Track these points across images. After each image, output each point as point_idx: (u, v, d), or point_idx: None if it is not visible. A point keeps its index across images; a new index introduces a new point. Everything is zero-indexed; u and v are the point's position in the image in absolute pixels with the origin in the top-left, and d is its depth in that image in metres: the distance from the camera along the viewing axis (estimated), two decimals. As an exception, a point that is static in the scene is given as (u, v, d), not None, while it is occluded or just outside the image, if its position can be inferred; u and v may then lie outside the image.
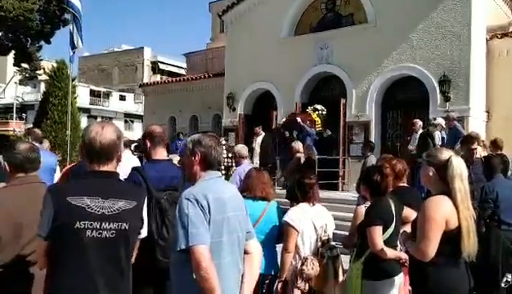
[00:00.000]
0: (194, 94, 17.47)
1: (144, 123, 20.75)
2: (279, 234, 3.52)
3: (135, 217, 2.04)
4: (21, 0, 15.16)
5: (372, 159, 7.94)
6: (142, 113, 22.72)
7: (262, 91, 13.96)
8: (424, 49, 10.89)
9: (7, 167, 2.54)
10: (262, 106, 13.94)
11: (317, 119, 11.91)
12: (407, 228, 2.99)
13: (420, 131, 9.60)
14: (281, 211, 3.59)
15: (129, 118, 43.71)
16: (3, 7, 14.78)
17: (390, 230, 3.08)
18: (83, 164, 4.29)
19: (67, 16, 15.81)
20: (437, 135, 8.45)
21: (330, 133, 11.65)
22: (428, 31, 10.83)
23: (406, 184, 3.90)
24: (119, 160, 2.11)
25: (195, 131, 17.22)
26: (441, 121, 8.98)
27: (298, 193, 3.55)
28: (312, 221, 3.44)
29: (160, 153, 3.31)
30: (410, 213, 3.22)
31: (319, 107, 12.14)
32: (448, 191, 2.41)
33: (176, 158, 6.41)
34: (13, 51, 18.58)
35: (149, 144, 3.32)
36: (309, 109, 12.21)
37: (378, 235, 3.02)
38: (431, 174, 2.51)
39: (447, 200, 2.39)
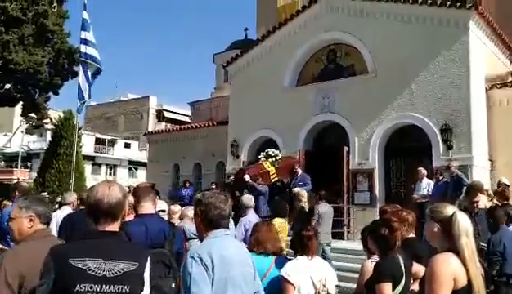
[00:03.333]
0: (198, 141, 17.67)
1: (148, 171, 20.83)
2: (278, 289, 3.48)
3: (136, 279, 2.01)
4: (31, 53, 15.61)
5: (320, 207, 8.09)
6: (146, 161, 22.86)
7: (266, 138, 14.10)
8: (424, 98, 11.03)
9: (37, 220, 2.50)
10: (265, 154, 14.01)
11: (271, 169, 10.92)
12: (416, 284, 2.93)
13: (425, 179, 9.65)
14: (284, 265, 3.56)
15: (133, 165, 43.93)
16: (13, 60, 15.20)
17: (400, 288, 3.01)
18: (81, 215, 4.32)
19: (75, 69, 16.30)
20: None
21: (280, 185, 10.53)
22: (428, 81, 11.01)
23: (413, 235, 3.87)
24: (123, 218, 2.18)
25: (197, 179, 17.29)
26: None
27: (297, 246, 3.54)
28: (310, 275, 3.38)
29: (147, 208, 3.38)
30: (419, 269, 3.16)
31: (272, 152, 11.46)
32: (454, 248, 2.37)
33: (176, 207, 6.31)
34: (21, 102, 18.96)
35: (134, 200, 3.47)
36: (261, 157, 11.38)
37: (387, 292, 2.96)
38: (436, 230, 2.48)
39: (454, 257, 2.35)
